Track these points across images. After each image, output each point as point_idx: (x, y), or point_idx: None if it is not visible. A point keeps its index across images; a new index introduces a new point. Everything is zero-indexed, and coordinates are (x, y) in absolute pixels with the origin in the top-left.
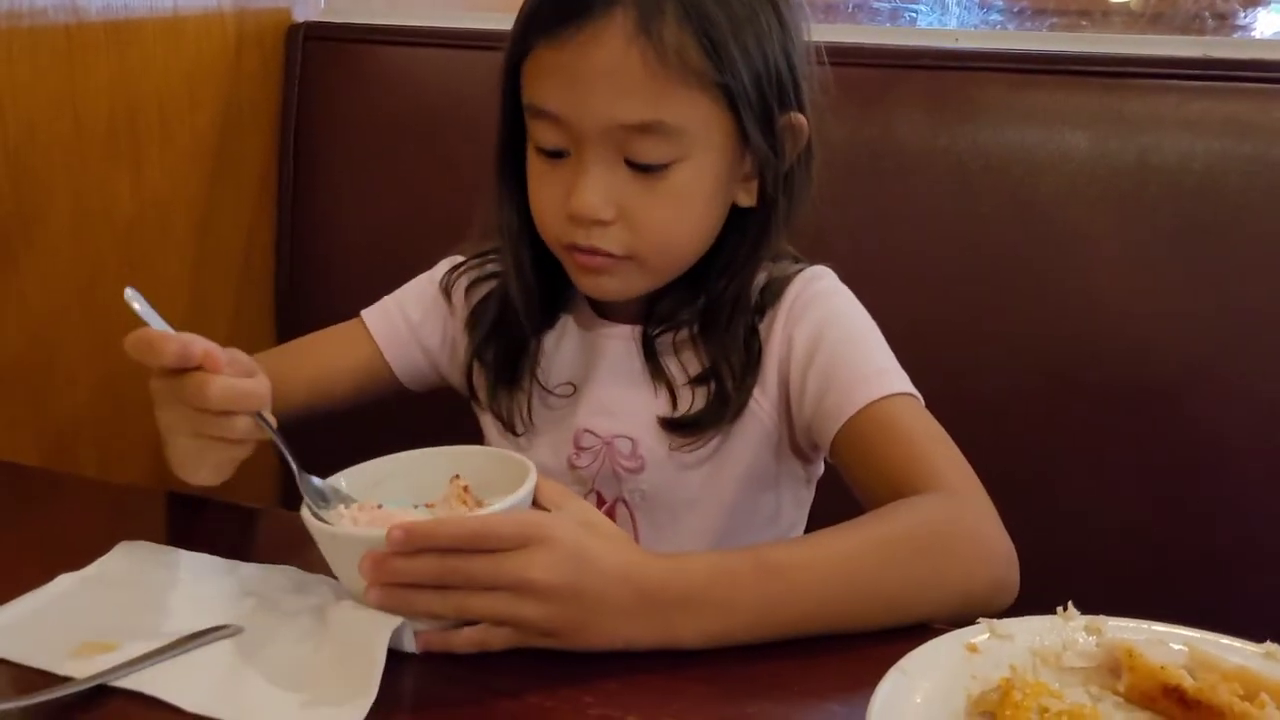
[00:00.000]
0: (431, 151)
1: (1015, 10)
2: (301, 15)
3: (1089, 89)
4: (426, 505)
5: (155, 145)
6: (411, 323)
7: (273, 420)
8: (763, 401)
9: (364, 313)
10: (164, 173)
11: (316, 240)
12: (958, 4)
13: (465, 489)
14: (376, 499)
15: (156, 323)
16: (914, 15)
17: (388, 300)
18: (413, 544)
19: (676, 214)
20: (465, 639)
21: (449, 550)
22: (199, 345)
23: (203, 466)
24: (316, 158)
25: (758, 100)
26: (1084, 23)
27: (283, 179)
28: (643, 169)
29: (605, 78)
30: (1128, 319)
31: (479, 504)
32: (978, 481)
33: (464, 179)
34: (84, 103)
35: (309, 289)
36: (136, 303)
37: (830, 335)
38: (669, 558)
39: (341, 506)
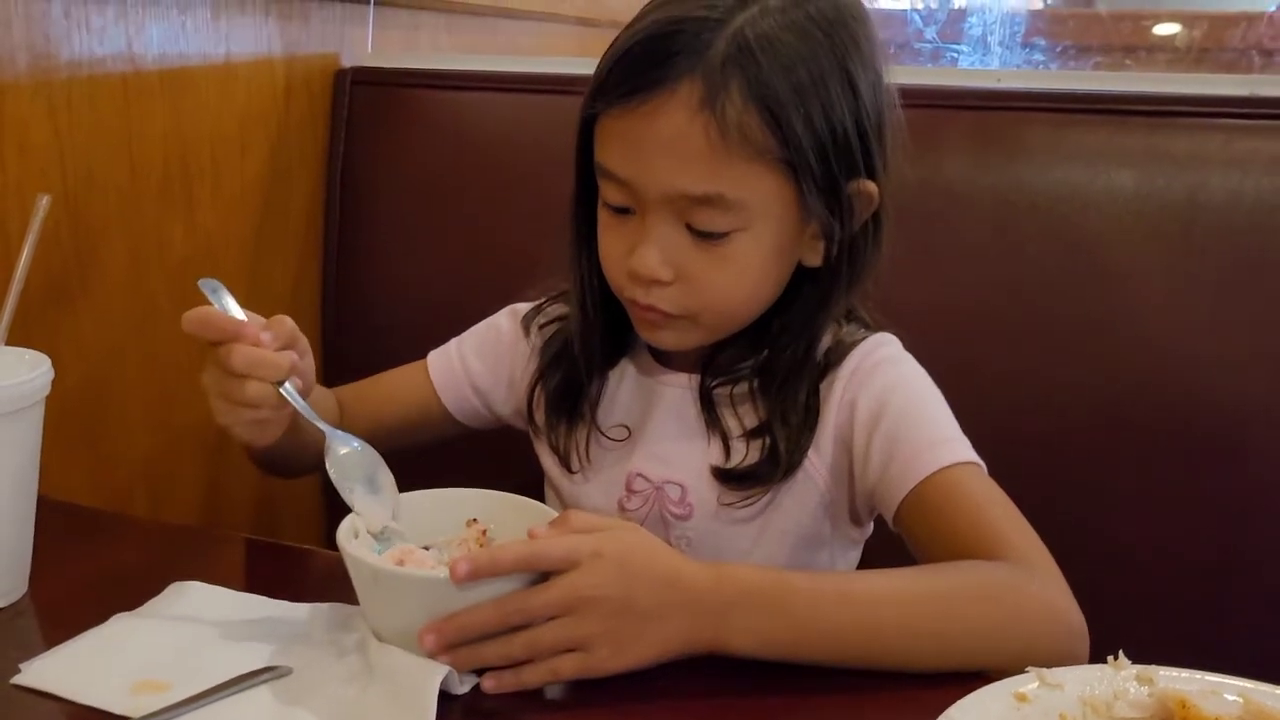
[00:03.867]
0: (478, 193)
1: (1058, 50)
2: (349, 60)
3: (1134, 128)
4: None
5: (207, 189)
6: (466, 363)
7: (295, 390)
8: (818, 463)
9: (430, 354)
10: (215, 215)
11: (363, 280)
12: (1000, 44)
13: (483, 533)
14: (384, 538)
15: (230, 308)
16: (955, 56)
17: (452, 342)
18: (477, 575)
19: (735, 279)
20: (535, 672)
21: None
22: (233, 325)
23: (233, 424)
24: (363, 199)
25: (822, 172)
26: (1128, 61)
27: (329, 220)
28: (703, 235)
29: (668, 149)
30: (1178, 360)
31: None
32: (1047, 552)
33: (511, 221)
34: (140, 149)
35: (355, 328)
36: (207, 289)
37: (895, 403)
38: (719, 564)
39: (358, 488)
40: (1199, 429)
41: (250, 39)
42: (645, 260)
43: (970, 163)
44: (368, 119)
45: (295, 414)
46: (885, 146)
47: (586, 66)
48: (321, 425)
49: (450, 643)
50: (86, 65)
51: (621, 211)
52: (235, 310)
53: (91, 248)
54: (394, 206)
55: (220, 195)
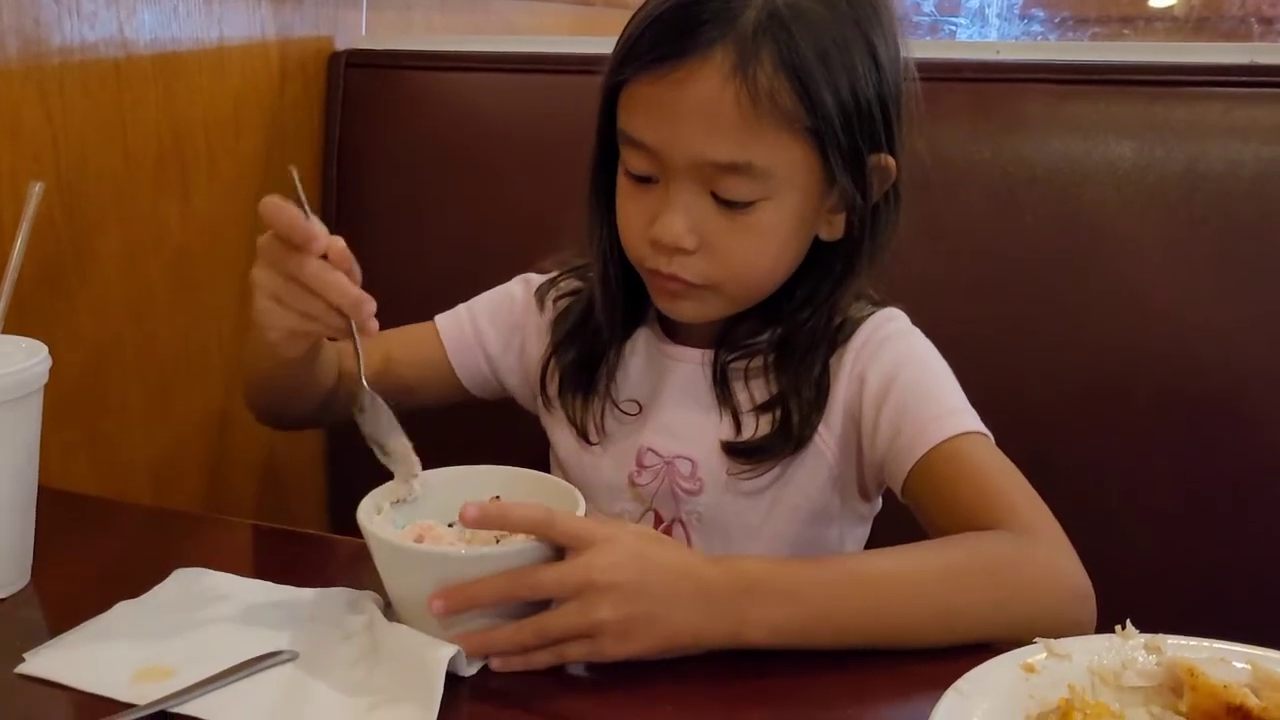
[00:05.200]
0: (473, 173)
1: (1056, 21)
2: (343, 43)
3: (1134, 98)
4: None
5: (203, 173)
6: (478, 326)
7: (356, 326)
8: (827, 437)
9: (437, 317)
10: (211, 200)
11: (360, 261)
12: (998, 16)
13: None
14: (409, 514)
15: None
16: (953, 28)
17: (461, 306)
18: (485, 523)
19: (758, 248)
20: (543, 654)
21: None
22: (308, 232)
23: (275, 327)
24: (359, 181)
25: (848, 144)
26: (1126, 31)
27: (326, 203)
28: (727, 204)
29: (697, 116)
30: (1178, 329)
31: None
32: (1054, 519)
33: (507, 200)
34: (133, 134)
35: None
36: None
37: (904, 375)
38: (728, 557)
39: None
40: (1199, 397)
41: (243, 22)
42: (670, 228)
43: (969, 135)
44: (362, 101)
45: (315, 347)
46: (903, 121)
47: (582, 45)
48: (361, 372)
49: (457, 609)
50: (78, 50)
51: (644, 180)
52: (314, 220)
53: (87, 235)
54: (390, 188)
55: (216, 180)
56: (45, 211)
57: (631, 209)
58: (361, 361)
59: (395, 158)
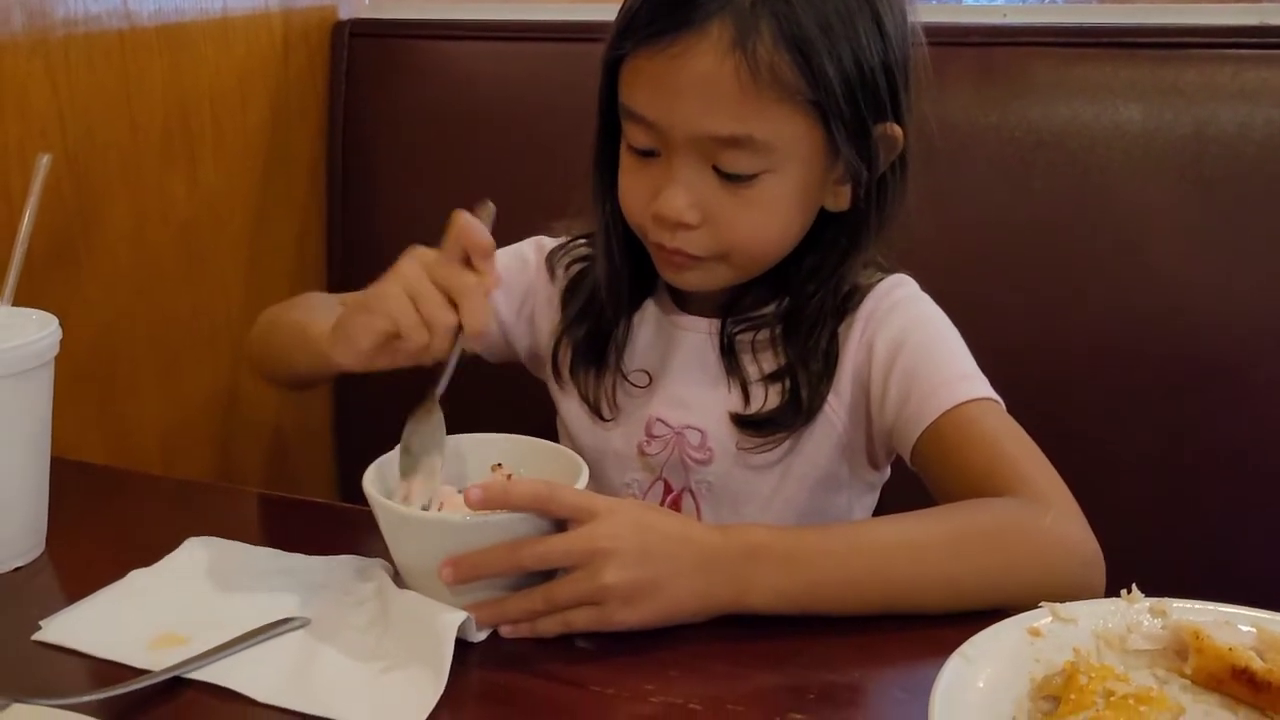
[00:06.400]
0: (478, 142)
1: None
2: (347, 12)
3: (1142, 61)
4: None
5: (209, 145)
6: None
7: (461, 353)
8: (837, 406)
9: None
10: (218, 171)
11: (367, 233)
12: None
13: (508, 478)
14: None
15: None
16: None
17: None
18: (488, 504)
19: (762, 221)
20: (550, 622)
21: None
22: (491, 269)
23: (367, 333)
24: (365, 151)
25: (851, 115)
26: None
27: (332, 173)
28: (730, 177)
29: (697, 90)
30: (1188, 293)
31: None
32: (1064, 485)
33: (513, 169)
34: (139, 105)
35: (360, 278)
36: (484, 213)
37: (912, 341)
38: (731, 525)
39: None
40: (1207, 361)
41: None
42: (672, 203)
43: (976, 100)
44: (367, 71)
45: None
46: (910, 88)
47: (588, 12)
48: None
49: (465, 577)
50: (82, 23)
51: (646, 154)
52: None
53: (95, 207)
54: (396, 158)
55: (222, 151)
56: (53, 184)
57: (634, 183)
58: (447, 377)
59: (400, 127)
